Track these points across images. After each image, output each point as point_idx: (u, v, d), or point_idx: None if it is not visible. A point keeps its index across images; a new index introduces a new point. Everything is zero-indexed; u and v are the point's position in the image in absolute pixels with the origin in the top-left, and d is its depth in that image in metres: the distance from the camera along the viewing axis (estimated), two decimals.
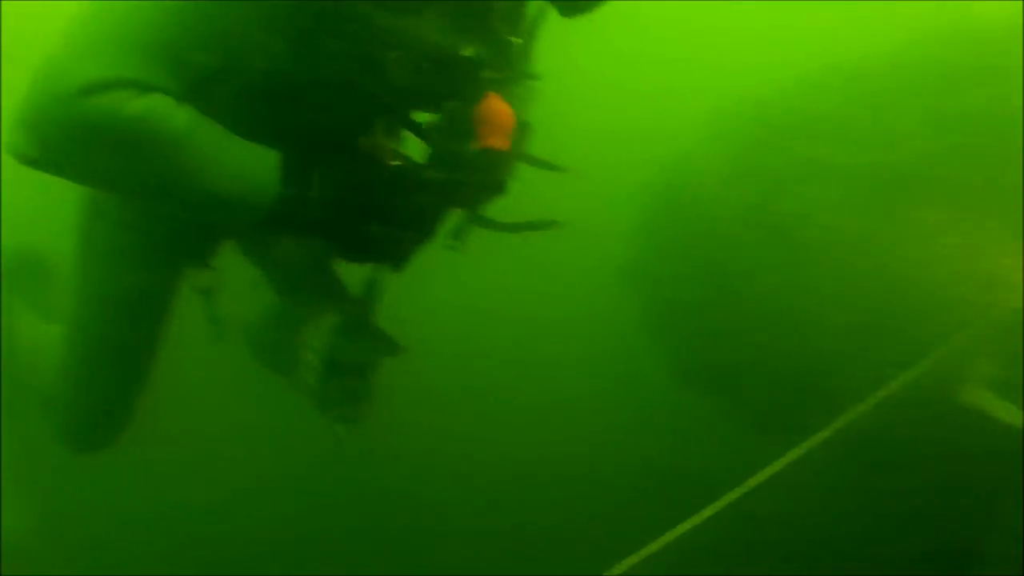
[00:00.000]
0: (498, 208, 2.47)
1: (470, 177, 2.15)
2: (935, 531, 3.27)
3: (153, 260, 2.43)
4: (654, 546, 2.75)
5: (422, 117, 2.26)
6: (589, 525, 4.23)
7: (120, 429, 2.84)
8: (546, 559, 3.95)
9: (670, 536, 2.80)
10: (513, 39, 2.20)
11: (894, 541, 3.40)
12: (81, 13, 1.81)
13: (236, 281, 2.69)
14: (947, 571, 3.07)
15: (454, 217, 2.36)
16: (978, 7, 5.01)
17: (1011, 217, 3.94)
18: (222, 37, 1.80)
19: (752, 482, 3.00)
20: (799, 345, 4.33)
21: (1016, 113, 4.37)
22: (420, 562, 4.26)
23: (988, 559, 2.99)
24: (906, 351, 3.41)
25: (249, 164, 1.84)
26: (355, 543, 4.35)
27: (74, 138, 1.71)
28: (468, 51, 2.08)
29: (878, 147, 4.76)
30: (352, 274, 2.58)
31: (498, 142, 2.19)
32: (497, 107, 2.21)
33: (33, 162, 1.81)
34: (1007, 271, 3.71)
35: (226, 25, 1.79)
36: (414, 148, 2.28)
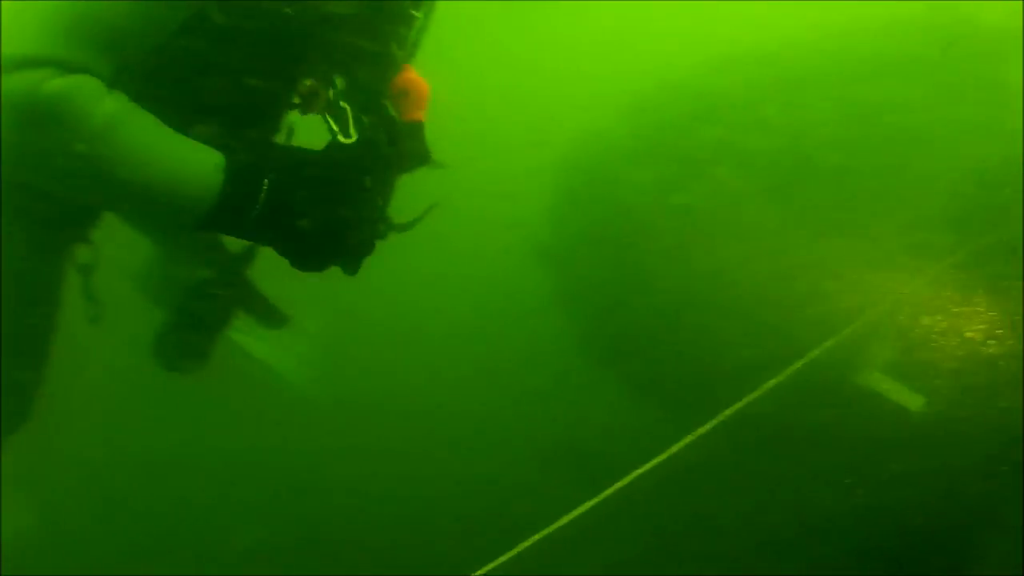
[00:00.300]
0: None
1: (403, 150, 2.14)
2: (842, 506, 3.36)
3: (35, 237, 2.32)
4: (560, 523, 2.77)
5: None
6: (497, 499, 4.24)
7: (20, 420, 2.67)
8: (449, 538, 3.95)
9: (575, 513, 2.82)
10: (415, 13, 2.18)
11: (775, 518, 3.49)
12: None
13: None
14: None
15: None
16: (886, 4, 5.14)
17: (910, 204, 4.04)
18: (152, 13, 1.73)
19: (656, 460, 3.04)
20: (704, 325, 4.40)
21: (920, 103, 4.50)
22: (329, 542, 4.24)
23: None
24: (807, 334, 3.48)
25: (189, 163, 1.71)
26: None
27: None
28: (380, 20, 2.05)
29: (787, 133, 4.84)
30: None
31: (420, 114, 2.18)
32: (416, 79, 2.20)
33: None
34: (905, 257, 3.81)
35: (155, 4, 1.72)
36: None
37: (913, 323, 3.43)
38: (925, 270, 3.62)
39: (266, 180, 1.75)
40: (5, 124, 1.65)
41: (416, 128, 2.18)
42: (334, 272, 1.96)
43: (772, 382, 3.23)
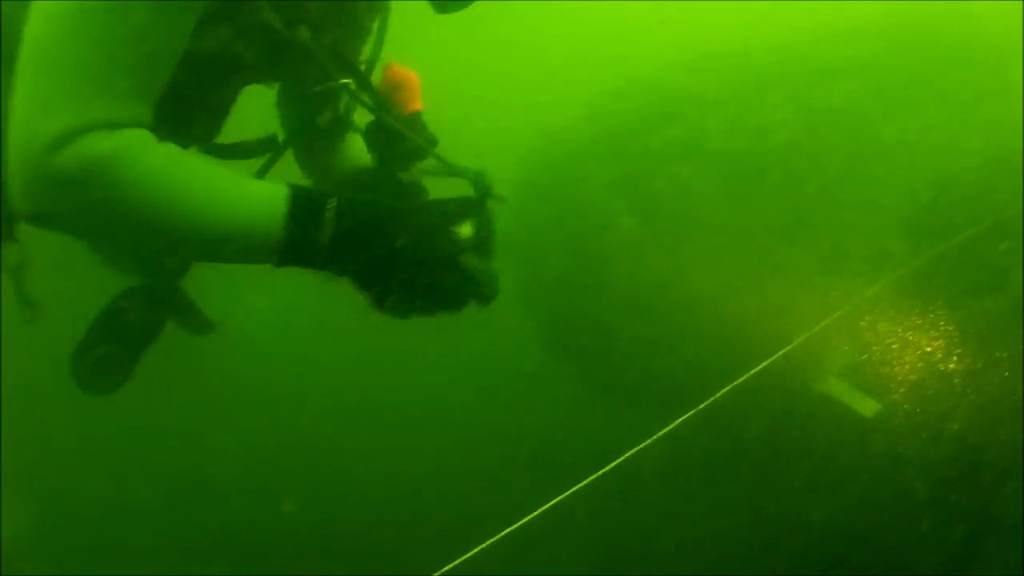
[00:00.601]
0: None
1: (416, 140, 2.19)
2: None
3: None
4: (520, 524, 2.78)
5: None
6: (458, 497, 4.25)
7: None
8: (408, 537, 3.96)
9: (534, 514, 2.83)
10: (370, 24, 2.20)
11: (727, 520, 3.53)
12: (35, 60, 1.66)
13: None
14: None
15: None
16: (849, 7, 5.20)
17: (867, 208, 4.10)
18: (169, 46, 1.70)
19: (616, 462, 3.05)
20: (666, 324, 4.43)
21: (874, 108, 4.56)
22: (290, 541, 4.24)
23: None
24: (767, 339, 3.51)
25: (251, 202, 1.69)
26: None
27: (61, 194, 1.57)
28: (335, 32, 2.06)
29: (748, 134, 4.89)
30: None
31: (417, 104, 2.22)
32: (404, 72, 2.23)
33: (38, 219, 1.67)
34: (864, 262, 3.86)
35: (168, 34, 1.69)
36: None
37: (870, 331, 3.48)
38: (882, 277, 3.67)
39: (331, 206, 1.67)
40: (76, 198, 1.60)
41: (417, 119, 2.21)
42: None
43: (729, 387, 3.26)
